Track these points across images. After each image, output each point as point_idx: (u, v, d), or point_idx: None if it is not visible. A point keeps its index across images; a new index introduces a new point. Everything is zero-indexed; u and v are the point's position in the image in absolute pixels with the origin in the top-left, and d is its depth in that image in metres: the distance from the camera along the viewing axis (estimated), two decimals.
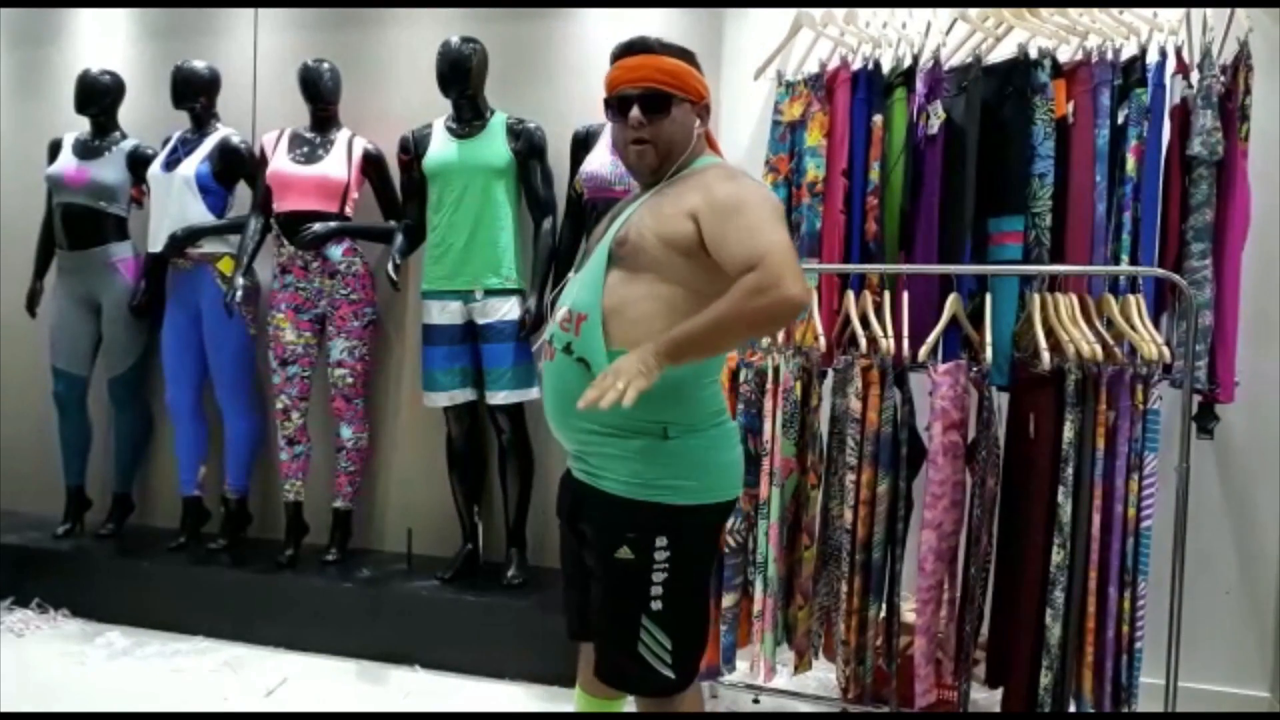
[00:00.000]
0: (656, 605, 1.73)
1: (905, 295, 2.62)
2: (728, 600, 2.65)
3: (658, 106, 1.77)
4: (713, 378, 1.81)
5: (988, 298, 2.58)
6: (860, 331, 2.60)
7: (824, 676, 2.93)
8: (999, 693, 2.56)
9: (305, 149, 3.43)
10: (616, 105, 1.80)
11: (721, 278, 1.62)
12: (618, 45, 1.84)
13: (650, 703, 1.81)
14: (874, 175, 2.79)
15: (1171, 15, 2.68)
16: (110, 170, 3.64)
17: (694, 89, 1.81)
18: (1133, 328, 2.44)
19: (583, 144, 3.19)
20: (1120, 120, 2.63)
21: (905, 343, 2.55)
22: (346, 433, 3.44)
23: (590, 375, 1.68)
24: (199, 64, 3.56)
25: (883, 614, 2.58)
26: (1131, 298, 2.48)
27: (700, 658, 1.82)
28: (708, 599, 1.89)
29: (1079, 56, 2.70)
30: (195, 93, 3.54)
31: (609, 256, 1.75)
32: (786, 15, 3.04)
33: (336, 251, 3.39)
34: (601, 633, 1.80)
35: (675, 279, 1.70)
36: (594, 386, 1.54)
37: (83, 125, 3.72)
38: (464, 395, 3.30)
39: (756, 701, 2.82)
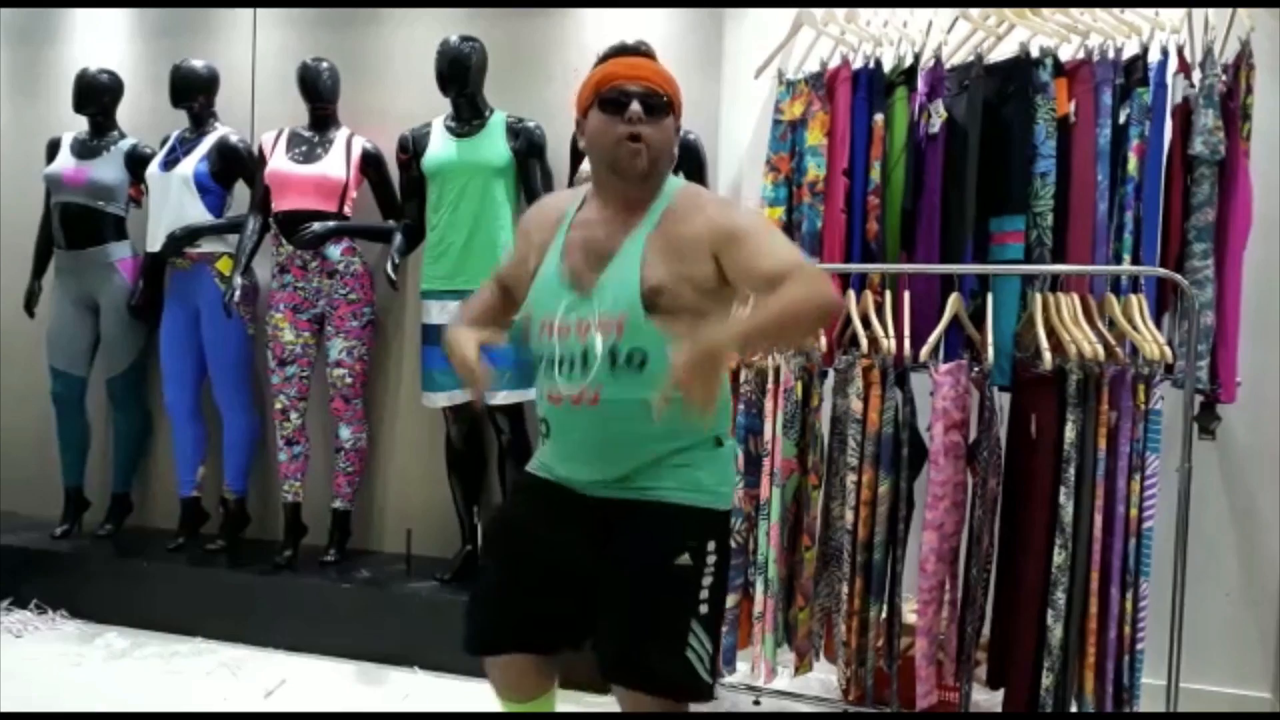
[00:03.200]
0: (704, 609, 1.74)
1: (906, 295, 2.61)
2: (728, 601, 2.64)
3: (656, 109, 1.73)
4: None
5: (989, 297, 2.57)
6: (861, 331, 2.59)
7: (825, 678, 2.92)
8: (1000, 694, 2.55)
9: (304, 148, 3.42)
10: (613, 100, 1.73)
11: (727, 308, 1.73)
12: (613, 45, 1.84)
13: (666, 703, 1.77)
14: (875, 174, 2.79)
15: (1173, 14, 2.68)
16: (109, 170, 3.63)
17: (680, 106, 1.80)
18: (1134, 327, 2.43)
19: None
20: (1122, 119, 2.63)
21: (906, 343, 2.54)
22: (345, 433, 3.44)
23: (642, 391, 1.65)
24: (198, 63, 3.55)
25: (884, 615, 2.58)
26: (1133, 297, 2.47)
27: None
28: None
29: (1080, 55, 2.69)
30: (194, 92, 3.53)
31: (643, 303, 1.70)
32: (787, 14, 3.03)
33: (335, 251, 3.38)
34: (643, 640, 1.75)
35: (704, 315, 1.70)
36: (674, 389, 1.53)
37: (81, 125, 3.71)
38: (463, 396, 3.29)
39: (757, 703, 2.81)
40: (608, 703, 1.99)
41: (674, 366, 1.54)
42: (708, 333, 1.57)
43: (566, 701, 2.78)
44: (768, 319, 1.59)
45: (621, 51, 1.83)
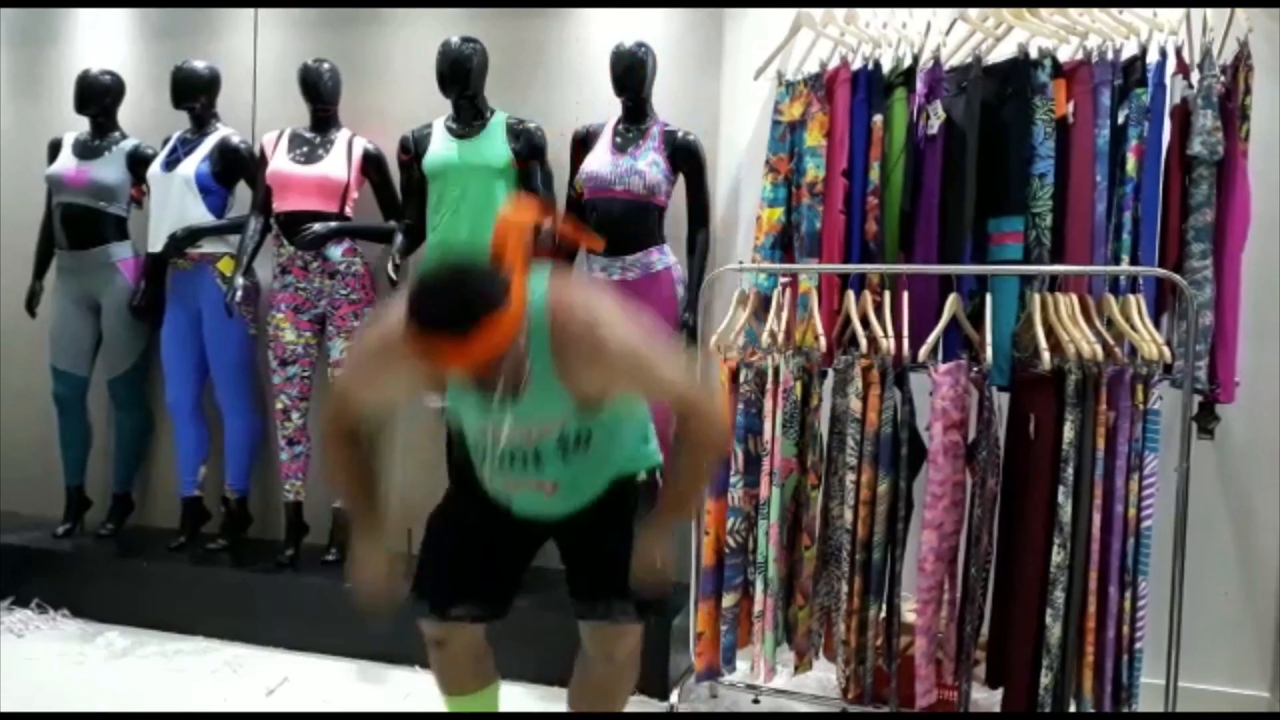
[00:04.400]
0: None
1: (905, 295, 2.61)
2: (728, 600, 2.65)
3: (495, 362, 1.55)
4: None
5: (988, 298, 2.57)
6: (860, 331, 2.60)
7: (824, 677, 2.93)
8: (999, 693, 2.56)
9: (305, 149, 3.43)
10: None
11: None
12: (419, 313, 1.51)
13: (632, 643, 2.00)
14: (874, 175, 2.79)
15: (1171, 15, 2.68)
16: (110, 170, 3.63)
17: (511, 311, 1.54)
18: (1133, 328, 2.43)
19: (583, 144, 3.19)
20: (1120, 120, 2.63)
21: (905, 343, 2.55)
22: None
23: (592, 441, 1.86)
24: (199, 64, 3.56)
25: (883, 614, 2.58)
26: (1132, 297, 2.47)
27: None
28: None
29: (1079, 56, 2.69)
30: (195, 93, 3.53)
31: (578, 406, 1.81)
32: (786, 15, 3.04)
33: (336, 251, 3.39)
34: (619, 581, 1.91)
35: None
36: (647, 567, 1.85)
37: (82, 125, 3.72)
38: None
39: (756, 702, 2.82)
40: None
41: (640, 565, 1.84)
42: (651, 546, 1.85)
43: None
44: (685, 497, 1.93)
45: (434, 329, 1.50)
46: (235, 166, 3.56)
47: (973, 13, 2.81)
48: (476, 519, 2.00)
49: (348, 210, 3.45)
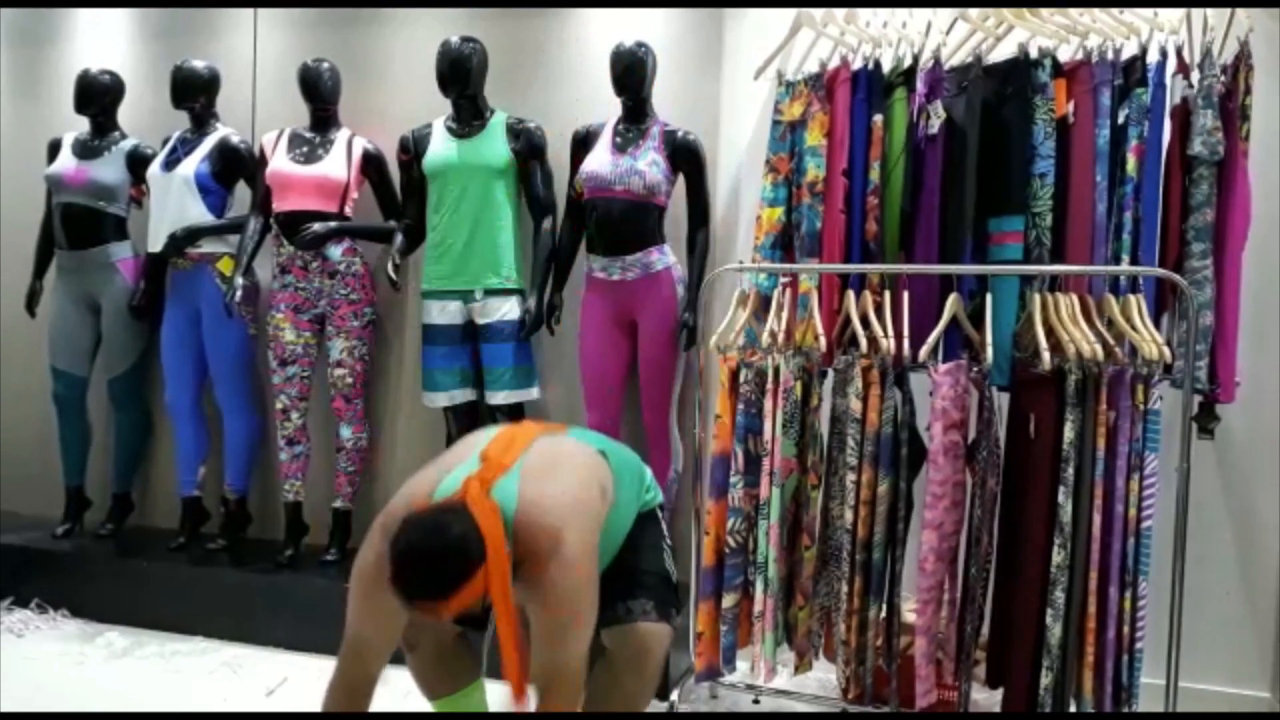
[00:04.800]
0: None
1: (905, 295, 2.61)
2: (728, 600, 2.65)
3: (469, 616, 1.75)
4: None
5: (988, 298, 2.57)
6: (860, 331, 2.59)
7: (824, 677, 2.93)
8: (999, 693, 2.56)
9: (305, 149, 3.43)
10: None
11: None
12: (400, 586, 1.64)
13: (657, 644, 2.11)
14: (874, 175, 2.79)
15: (1172, 15, 2.68)
16: (109, 170, 3.63)
17: (488, 564, 1.67)
18: (1133, 327, 2.43)
19: (583, 144, 3.19)
20: (1121, 120, 2.63)
21: (906, 343, 2.55)
22: (346, 433, 3.44)
23: None
24: (199, 64, 3.56)
25: (883, 614, 2.58)
26: (1132, 297, 2.47)
27: None
28: None
29: (1079, 56, 2.69)
30: (195, 92, 3.53)
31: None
32: (787, 14, 3.04)
33: (336, 251, 3.39)
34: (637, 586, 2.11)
35: None
36: None
37: (82, 125, 3.72)
38: (464, 395, 3.30)
39: (757, 702, 2.82)
40: None
41: None
42: None
43: None
44: None
45: (408, 594, 1.66)
46: (235, 166, 3.56)
47: (973, 12, 2.81)
48: None
49: (347, 210, 3.45)
